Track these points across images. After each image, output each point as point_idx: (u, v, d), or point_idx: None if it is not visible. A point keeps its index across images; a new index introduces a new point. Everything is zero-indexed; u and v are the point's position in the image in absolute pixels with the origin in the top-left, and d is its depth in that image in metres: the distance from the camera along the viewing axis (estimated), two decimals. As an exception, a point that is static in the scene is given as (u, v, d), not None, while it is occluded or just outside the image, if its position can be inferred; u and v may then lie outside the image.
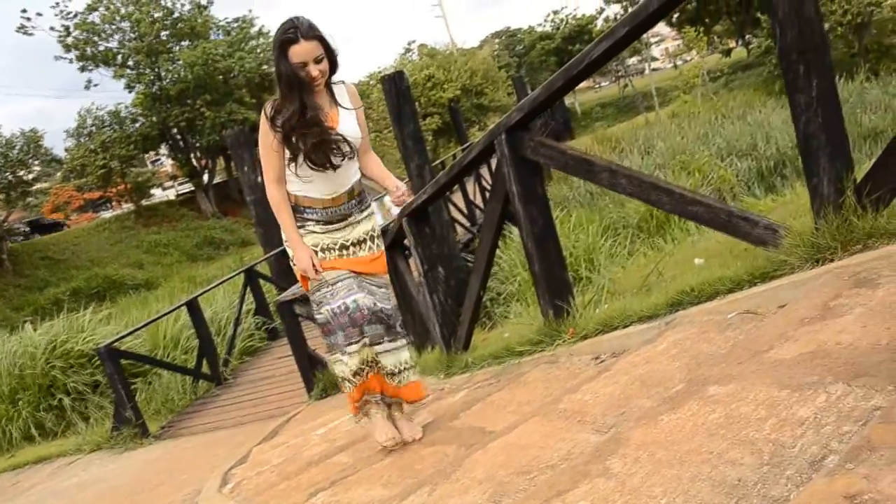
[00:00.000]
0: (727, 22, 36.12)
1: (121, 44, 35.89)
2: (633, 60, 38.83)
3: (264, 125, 2.85)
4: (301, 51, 2.71)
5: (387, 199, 15.32)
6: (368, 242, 3.08)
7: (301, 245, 2.94)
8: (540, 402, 2.83)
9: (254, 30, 38.67)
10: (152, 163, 49.68)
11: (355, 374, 3.02)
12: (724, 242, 4.57)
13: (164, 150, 41.36)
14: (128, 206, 39.52)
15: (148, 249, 33.55)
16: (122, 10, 35.35)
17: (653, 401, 2.23)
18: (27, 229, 37.82)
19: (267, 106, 2.86)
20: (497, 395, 3.23)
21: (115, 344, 8.55)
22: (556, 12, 54.13)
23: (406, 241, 5.11)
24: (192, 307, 9.95)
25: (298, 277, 3.08)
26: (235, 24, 38.79)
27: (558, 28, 51.19)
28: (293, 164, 2.86)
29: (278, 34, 2.74)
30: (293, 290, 7.68)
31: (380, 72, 38.08)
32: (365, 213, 3.10)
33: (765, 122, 19.80)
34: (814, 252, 2.62)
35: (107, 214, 42.05)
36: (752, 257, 3.09)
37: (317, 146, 2.80)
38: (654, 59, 41.92)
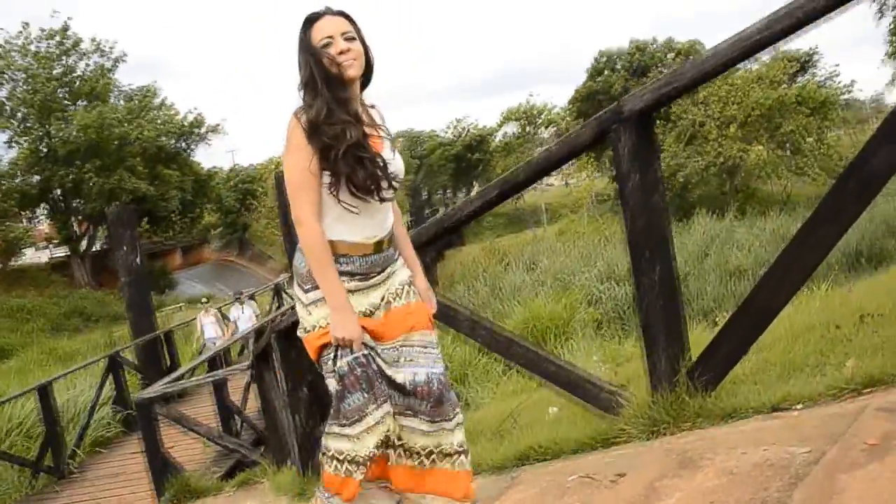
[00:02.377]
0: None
1: (10, 95, 34.58)
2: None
3: (298, 136, 2.19)
4: (325, 24, 2.25)
5: (234, 310, 14.28)
6: (407, 288, 2.40)
7: (348, 307, 2.20)
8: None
9: (156, 100, 38.13)
10: (28, 220, 47.27)
11: (368, 456, 2.26)
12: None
13: (42, 209, 39.48)
14: (-7, 264, 37.17)
15: (8, 314, 31.30)
16: (19, 61, 34.24)
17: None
18: None
19: (299, 111, 2.23)
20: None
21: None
22: (458, 121, 56.25)
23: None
24: (44, 393, 9.31)
25: (311, 343, 2.32)
26: (139, 92, 38.17)
27: (460, 136, 53.15)
28: (332, 193, 2.19)
29: (302, 23, 2.30)
30: (156, 388, 7.35)
31: (279, 159, 38.15)
32: (400, 262, 2.44)
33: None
34: (650, 424, 2.77)
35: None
36: (599, 418, 3.23)
37: (364, 162, 2.18)
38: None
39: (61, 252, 42.07)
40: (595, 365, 6.26)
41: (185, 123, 38.83)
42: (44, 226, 46.98)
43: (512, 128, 36.45)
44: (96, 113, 33.39)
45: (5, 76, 34.25)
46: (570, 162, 46.84)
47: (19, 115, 34.59)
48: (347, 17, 2.32)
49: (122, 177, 34.39)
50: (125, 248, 12.57)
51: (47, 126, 34.22)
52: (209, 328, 13.39)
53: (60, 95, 34.90)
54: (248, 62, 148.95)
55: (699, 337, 5.58)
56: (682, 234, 24.33)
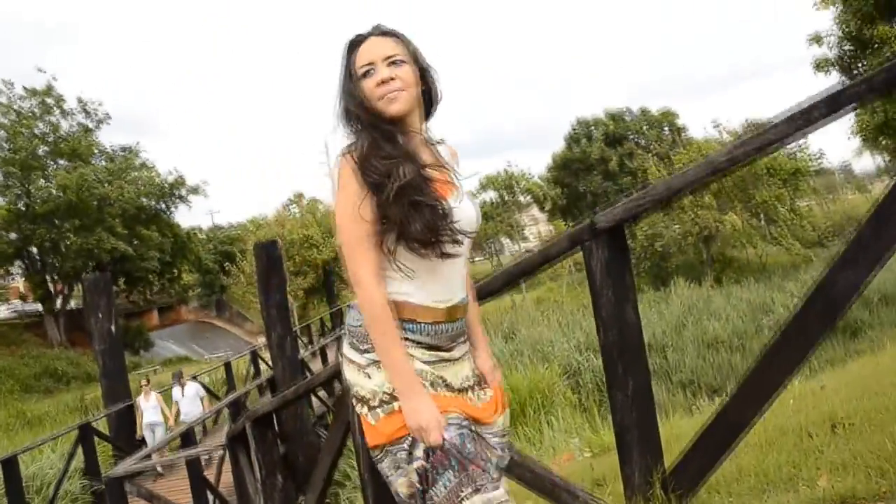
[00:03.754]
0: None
1: (-8, 152, 34.53)
2: (507, 242, 41.06)
3: (347, 175, 1.82)
4: (367, 48, 1.89)
5: (176, 391, 13.57)
6: (479, 380, 2.00)
7: (421, 392, 1.80)
8: None
9: (138, 161, 38.22)
10: (2, 276, 46.63)
11: None
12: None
13: (17, 266, 39.03)
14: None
15: (-25, 373, 30.66)
16: (1, 119, 34.28)
17: None
18: None
19: (347, 149, 1.86)
20: None
21: None
22: (440, 189, 56.27)
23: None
24: (9, 466, 9.07)
25: (380, 432, 1.86)
26: (121, 153, 38.27)
27: (438, 201, 53.40)
28: (387, 248, 1.82)
29: (346, 45, 1.95)
30: (126, 465, 7.21)
31: (261, 219, 38.20)
32: (468, 345, 2.04)
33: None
34: (624, 535, 2.76)
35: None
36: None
37: (422, 208, 1.78)
38: (525, 239, 44.37)
39: (35, 309, 41.51)
40: (574, 448, 6.24)
41: (166, 184, 38.89)
42: (18, 283, 46.40)
43: (490, 194, 37.02)
44: (77, 174, 33.38)
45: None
46: (549, 228, 47.65)
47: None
48: (398, 36, 1.93)
49: (101, 237, 34.21)
50: (101, 315, 12.51)
51: (27, 184, 34.11)
52: (150, 412, 11.95)
53: (41, 154, 34.87)
54: (231, 123, 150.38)
55: (677, 425, 5.60)
56: (660, 302, 24.51)
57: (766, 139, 2.40)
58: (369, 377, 1.87)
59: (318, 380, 4.09)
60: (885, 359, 6.08)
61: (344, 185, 1.83)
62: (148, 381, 12.62)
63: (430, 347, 1.89)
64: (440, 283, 1.89)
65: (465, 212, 1.88)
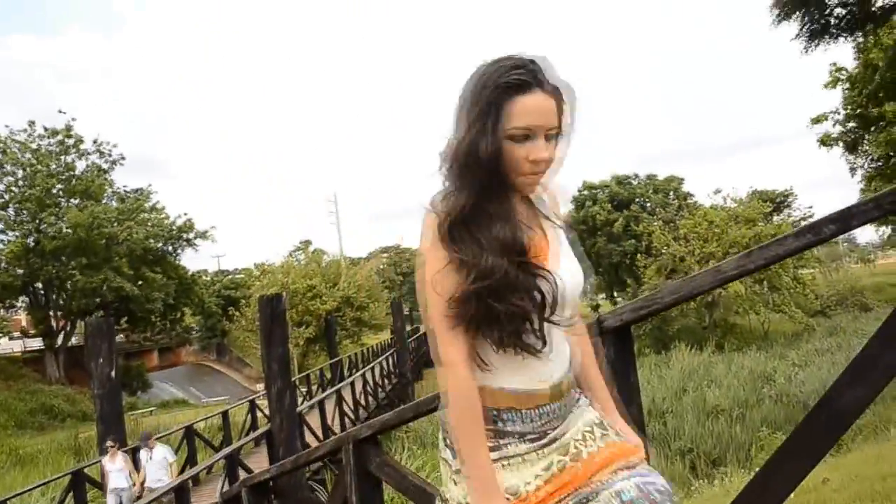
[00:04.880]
0: (598, 279, 39.13)
1: (7, 188, 34.99)
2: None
3: (436, 248, 1.50)
4: (532, 105, 1.47)
5: (143, 454, 11.52)
6: (597, 430, 1.64)
7: (497, 497, 1.49)
8: None
9: (148, 203, 38.59)
10: (5, 309, 46.68)
11: None
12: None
13: (21, 301, 39.13)
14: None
15: (-30, 407, 30.45)
16: (19, 156, 34.79)
17: None
18: None
19: (436, 201, 1.52)
20: None
21: None
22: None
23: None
24: (-2, 514, 8.97)
25: None
26: (132, 194, 38.69)
27: (445, 256, 53.60)
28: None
29: (492, 73, 1.48)
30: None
31: (266, 265, 38.30)
32: (583, 401, 1.69)
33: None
34: None
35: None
36: None
37: (510, 313, 1.47)
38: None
39: (35, 344, 41.46)
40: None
41: (175, 227, 39.21)
42: (21, 316, 46.43)
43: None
44: (88, 213, 33.74)
45: (5, 169, 34.72)
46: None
47: (11, 209, 34.83)
48: (563, 99, 1.52)
49: (106, 276, 34.41)
50: (101, 360, 12.49)
51: (38, 220, 34.47)
52: (116, 476, 10.82)
53: (55, 191, 35.31)
54: (241, 168, 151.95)
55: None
56: (661, 367, 24.36)
57: (775, 253, 2.44)
58: (455, 484, 1.59)
59: (318, 453, 4.09)
60: (890, 450, 6.01)
61: (429, 247, 1.50)
62: (115, 441, 11.27)
63: (528, 437, 1.56)
64: (545, 362, 1.56)
65: (568, 279, 1.56)
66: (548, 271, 1.51)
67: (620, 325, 2.72)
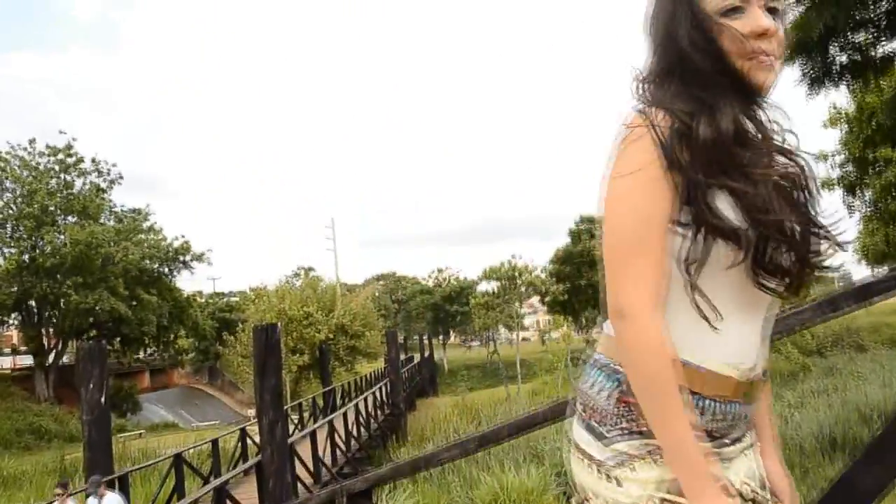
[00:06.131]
0: (595, 311, 39.07)
1: (7, 204, 35.03)
2: (503, 331, 40.99)
3: (647, 153, 1.18)
4: None
5: (92, 501, 9.99)
6: (762, 485, 1.31)
7: (713, 480, 1.15)
8: None
9: (146, 224, 38.59)
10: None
11: None
12: None
13: (13, 318, 38.89)
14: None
15: (-46, 425, 30.10)
16: (18, 172, 34.81)
17: None
18: None
19: (648, 110, 1.21)
20: None
21: None
22: (440, 270, 57.21)
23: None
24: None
25: None
26: (130, 214, 38.67)
27: (440, 285, 53.93)
28: (687, 267, 1.18)
29: None
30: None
31: (262, 287, 38.18)
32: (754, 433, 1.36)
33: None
34: None
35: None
36: None
37: (796, 205, 1.19)
38: (524, 328, 44.28)
39: (26, 361, 41.13)
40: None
41: (171, 249, 39.15)
42: (12, 333, 46.10)
43: (492, 284, 37.39)
44: (88, 231, 33.75)
45: (4, 186, 34.81)
46: (548, 318, 47.46)
47: (9, 225, 34.79)
48: None
49: (101, 296, 34.28)
50: (92, 385, 12.35)
51: (36, 238, 34.42)
52: None
53: (52, 209, 35.30)
54: (239, 191, 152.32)
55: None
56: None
57: (792, 324, 2.40)
58: (619, 485, 1.20)
59: None
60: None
61: (632, 158, 1.18)
62: (64, 487, 10.07)
63: (709, 435, 1.21)
64: (743, 336, 1.22)
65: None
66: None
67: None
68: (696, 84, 1.21)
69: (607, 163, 1.23)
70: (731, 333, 1.20)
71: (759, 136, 1.22)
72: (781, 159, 1.22)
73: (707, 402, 1.21)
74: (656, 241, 1.16)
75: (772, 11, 1.22)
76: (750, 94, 1.24)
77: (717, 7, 1.20)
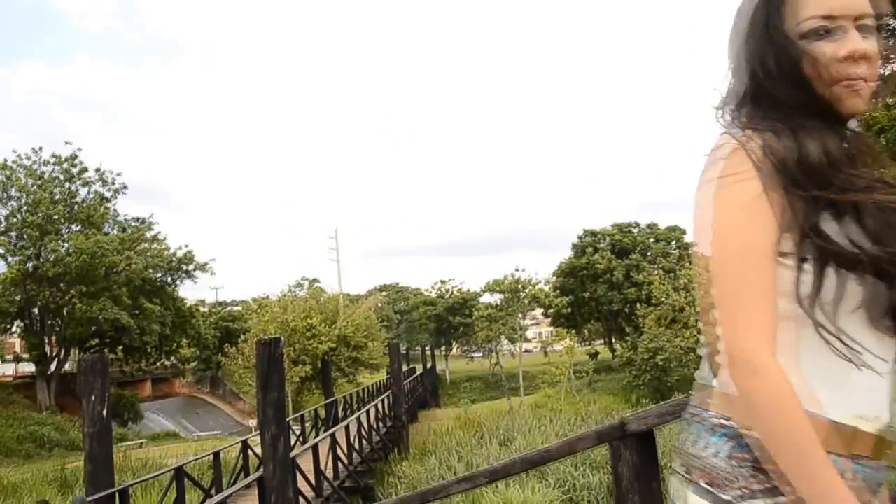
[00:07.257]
0: (597, 324, 39.00)
1: (12, 213, 35.03)
2: (506, 342, 41.03)
3: (749, 176, 1.09)
4: None
5: None
6: None
7: None
8: None
9: (150, 233, 38.62)
10: (0, 332, 46.27)
11: None
12: None
13: (16, 325, 38.89)
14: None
15: (-45, 432, 30.03)
16: (23, 181, 34.85)
17: None
18: None
19: (746, 135, 1.12)
20: None
21: None
22: (443, 282, 57.31)
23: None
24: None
25: None
26: (134, 223, 38.72)
27: (442, 297, 53.93)
28: (803, 304, 1.07)
29: None
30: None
31: (265, 298, 38.14)
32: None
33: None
34: None
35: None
36: None
37: None
38: (527, 340, 44.18)
39: (28, 369, 41.09)
40: None
41: (175, 259, 39.15)
42: (14, 340, 46.05)
43: (495, 297, 37.45)
44: (93, 241, 33.74)
45: (9, 194, 34.81)
46: (550, 330, 47.32)
47: (13, 233, 34.83)
48: None
49: (104, 306, 34.26)
50: (94, 398, 12.26)
51: (40, 246, 34.44)
52: None
53: (56, 218, 35.34)
54: (244, 201, 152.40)
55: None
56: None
57: None
58: None
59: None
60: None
61: (733, 179, 1.08)
62: None
63: None
64: (872, 383, 1.08)
65: None
66: None
67: (645, 431, 2.62)
68: (785, 110, 1.14)
69: (700, 193, 1.15)
70: (860, 381, 1.07)
71: (860, 163, 1.13)
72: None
73: (841, 460, 1.06)
74: (769, 278, 1.06)
75: (862, 29, 1.13)
76: (839, 121, 1.16)
77: (804, 29, 1.13)
